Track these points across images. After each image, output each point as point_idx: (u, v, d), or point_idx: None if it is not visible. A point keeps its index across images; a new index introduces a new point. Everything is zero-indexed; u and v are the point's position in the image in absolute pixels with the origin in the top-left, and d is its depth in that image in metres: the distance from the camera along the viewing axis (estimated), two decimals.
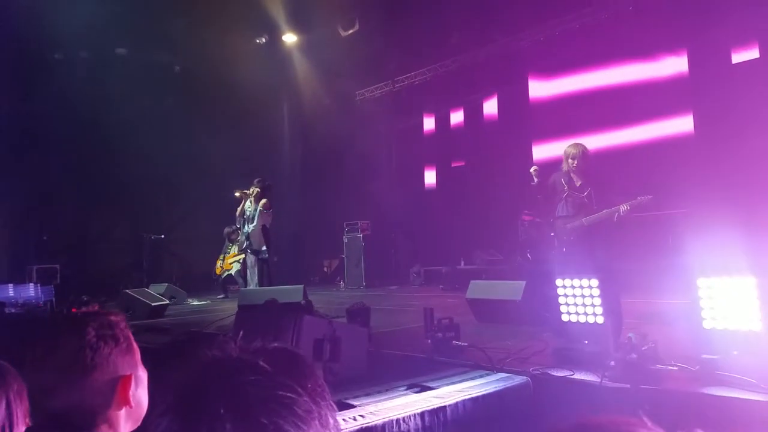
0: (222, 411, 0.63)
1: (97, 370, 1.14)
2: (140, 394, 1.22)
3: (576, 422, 0.64)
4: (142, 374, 1.25)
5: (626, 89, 10.14)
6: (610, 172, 8.54)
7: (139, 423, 1.21)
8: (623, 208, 5.23)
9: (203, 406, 0.64)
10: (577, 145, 5.49)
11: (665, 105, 9.57)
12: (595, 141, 10.27)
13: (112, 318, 1.23)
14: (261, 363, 0.68)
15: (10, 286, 8.62)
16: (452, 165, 13.53)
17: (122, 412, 1.17)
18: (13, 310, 7.64)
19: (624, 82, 10.25)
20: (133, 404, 1.18)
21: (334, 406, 0.72)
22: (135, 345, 1.25)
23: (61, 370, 1.12)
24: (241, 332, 0.78)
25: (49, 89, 11.10)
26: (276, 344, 0.74)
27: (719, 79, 9.00)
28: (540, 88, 11.75)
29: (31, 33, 10.41)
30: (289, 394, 0.66)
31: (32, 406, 1.15)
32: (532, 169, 5.63)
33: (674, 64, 9.66)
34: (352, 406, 2.75)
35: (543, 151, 11.25)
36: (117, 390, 1.16)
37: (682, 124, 9.46)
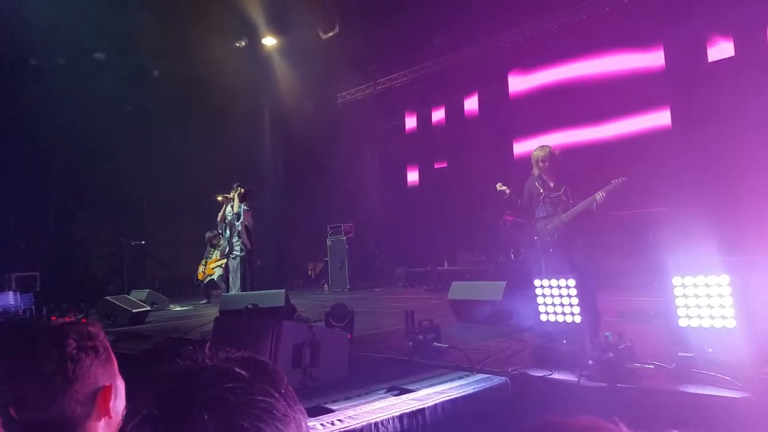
0: (206, 417, 0.65)
1: (78, 381, 1.14)
2: (119, 404, 1.22)
3: (541, 422, 0.65)
4: (120, 384, 1.25)
5: (605, 84, 10.28)
6: (588, 167, 8.67)
7: None
8: (599, 195, 5.27)
9: (186, 413, 0.66)
10: (543, 147, 5.57)
11: (643, 99, 9.70)
12: (574, 136, 10.45)
13: (91, 329, 1.23)
14: (237, 370, 0.71)
15: None
16: (435, 166, 13.58)
17: (101, 423, 1.17)
18: None
19: (603, 76, 10.39)
20: (112, 415, 1.18)
21: (304, 410, 0.74)
22: (113, 355, 1.25)
23: (42, 383, 1.11)
24: (208, 342, 0.80)
25: (25, 95, 10.94)
26: (243, 353, 0.77)
27: (696, 75, 9.16)
28: (520, 84, 11.86)
29: (7, 38, 10.25)
30: (267, 399, 0.69)
31: (7, 418, 1.12)
32: (498, 186, 5.70)
33: (651, 59, 9.81)
34: (331, 411, 2.74)
35: (524, 147, 11.35)
36: (97, 401, 1.16)
37: (659, 118, 9.60)
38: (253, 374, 0.71)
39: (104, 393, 1.17)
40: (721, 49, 9.01)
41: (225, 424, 0.65)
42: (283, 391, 0.72)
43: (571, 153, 9.67)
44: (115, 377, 1.23)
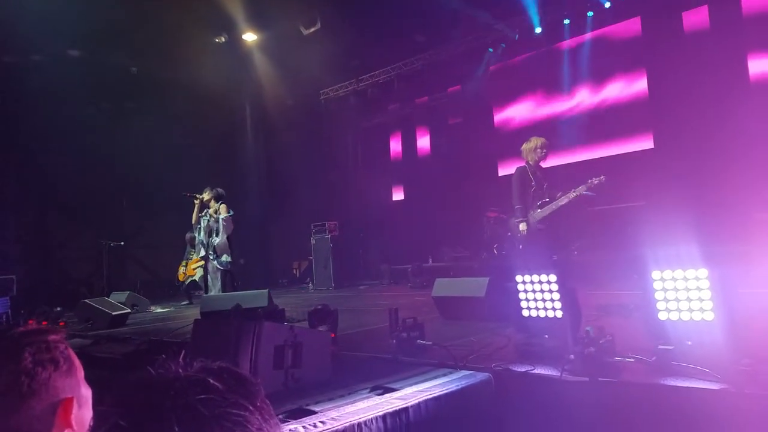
0: (176, 429, 0.62)
1: (34, 396, 1.07)
2: (83, 414, 1.15)
3: None
4: (86, 393, 1.18)
5: (583, 57, 10.54)
6: (570, 149, 8.81)
7: None
8: (576, 192, 5.32)
9: (155, 424, 0.63)
10: (537, 138, 5.60)
11: (620, 65, 9.93)
12: (551, 108, 10.82)
13: (50, 338, 1.15)
14: (211, 381, 0.68)
15: None
16: (419, 158, 13.57)
17: None
18: None
19: (581, 45, 10.62)
20: (75, 427, 1.11)
21: (280, 424, 0.72)
22: (77, 363, 1.18)
23: None
24: (183, 350, 0.77)
25: (1, 93, 10.71)
26: (220, 363, 0.74)
27: (672, 46, 9.28)
28: (501, 75, 11.98)
29: None
30: (241, 412, 0.66)
31: None
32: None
33: (628, 29, 9.98)
34: (314, 413, 2.70)
35: (508, 127, 11.61)
36: (57, 414, 1.09)
37: (637, 86, 9.79)
38: (228, 386, 0.69)
39: (65, 405, 1.10)
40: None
41: None
42: (258, 404, 0.69)
43: (549, 129, 9.88)
44: (79, 387, 1.16)
